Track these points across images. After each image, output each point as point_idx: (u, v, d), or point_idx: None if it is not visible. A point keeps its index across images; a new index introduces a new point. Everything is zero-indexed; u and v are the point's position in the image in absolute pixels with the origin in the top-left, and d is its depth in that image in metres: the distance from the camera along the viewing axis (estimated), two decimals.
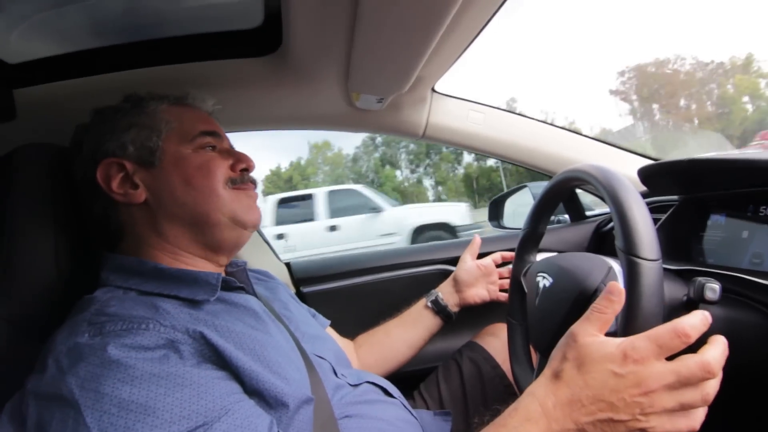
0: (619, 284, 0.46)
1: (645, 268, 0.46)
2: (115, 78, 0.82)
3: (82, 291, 0.57)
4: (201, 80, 0.86)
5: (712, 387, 0.44)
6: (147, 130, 0.63)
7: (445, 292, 0.98)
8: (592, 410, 0.43)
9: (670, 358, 0.44)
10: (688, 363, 0.43)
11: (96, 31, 0.81)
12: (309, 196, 7.09)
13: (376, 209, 6.72)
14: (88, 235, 0.66)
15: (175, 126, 0.64)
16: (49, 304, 0.60)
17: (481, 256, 1.03)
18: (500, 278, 1.01)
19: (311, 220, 6.81)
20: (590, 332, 0.46)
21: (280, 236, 6.65)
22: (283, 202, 7.02)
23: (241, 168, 0.67)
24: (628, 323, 0.46)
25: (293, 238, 6.61)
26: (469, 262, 0.99)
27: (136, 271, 0.58)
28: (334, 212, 6.81)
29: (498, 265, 1.02)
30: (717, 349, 0.45)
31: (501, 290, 1.00)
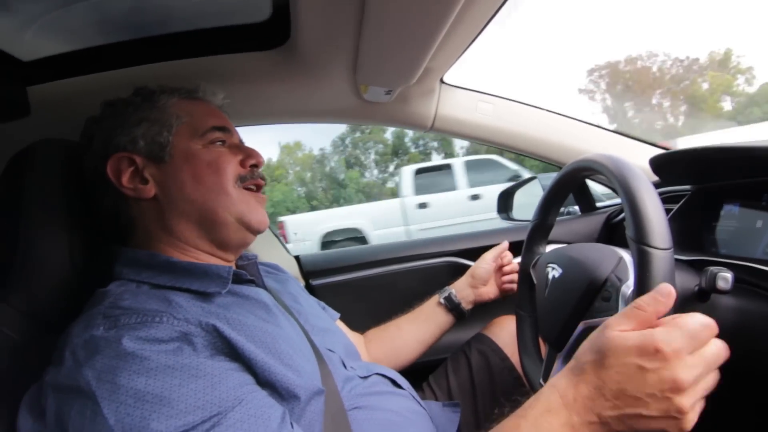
0: (670, 286, 0.44)
1: (656, 257, 0.46)
2: (126, 74, 0.83)
3: (97, 284, 0.58)
4: (209, 74, 0.87)
5: None
6: (158, 125, 0.63)
7: (459, 288, 0.97)
8: (617, 404, 0.42)
9: None
10: (712, 350, 0.42)
11: (106, 28, 0.82)
12: (447, 166, 7.00)
13: (517, 178, 6.64)
14: (100, 229, 0.67)
15: (185, 121, 0.64)
16: (65, 297, 0.61)
17: (486, 248, 1.01)
18: (505, 273, 0.99)
19: (452, 189, 6.64)
20: (623, 327, 0.44)
21: (422, 205, 6.53)
22: (420, 172, 6.94)
23: (250, 164, 0.67)
24: None
25: (435, 207, 6.47)
26: (489, 263, 0.97)
27: (148, 264, 0.59)
28: (473, 182, 6.61)
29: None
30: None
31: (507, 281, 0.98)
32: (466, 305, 0.96)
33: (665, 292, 0.44)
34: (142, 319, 0.48)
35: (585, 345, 0.47)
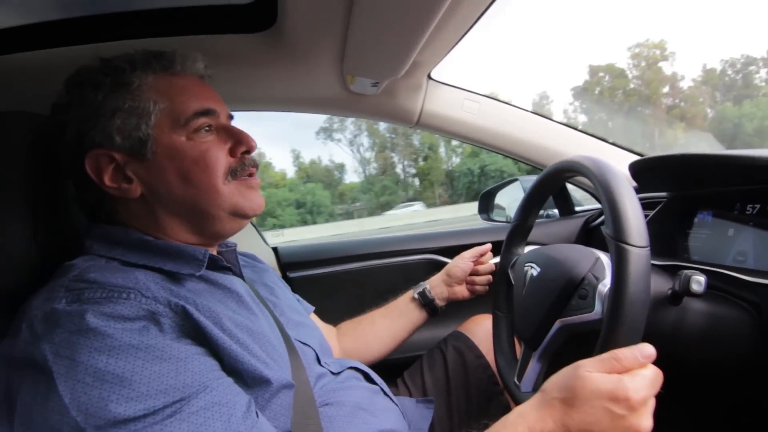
0: (653, 348, 0.47)
1: (633, 255, 0.46)
2: (101, 48, 0.78)
3: (64, 259, 0.55)
4: None
5: None
6: (134, 117, 0.56)
7: (434, 285, 0.97)
8: None
9: None
10: (658, 380, 0.46)
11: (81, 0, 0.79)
12: None
13: None
14: (69, 208, 0.63)
15: (164, 107, 0.57)
16: (29, 279, 0.58)
17: (465, 247, 1.01)
18: (476, 274, 0.98)
19: None
20: (596, 369, 0.46)
21: None
22: None
23: (241, 151, 0.61)
24: (615, 309, 0.47)
25: None
26: (467, 262, 0.97)
27: (120, 241, 0.56)
28: None
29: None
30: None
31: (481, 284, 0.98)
32: (440, 302, 0.96)
33: (647, 354, 0.46)
34: (108, 295, 0.46)
35: (555, 380, 0.48)
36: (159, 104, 0.57)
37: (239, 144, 0.61)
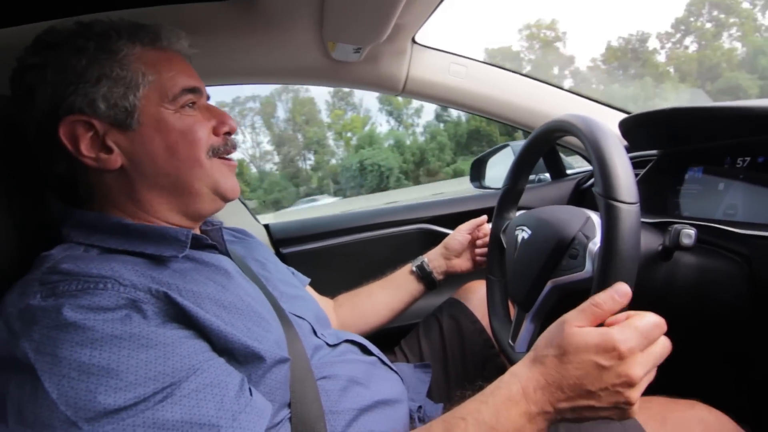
0: (627, 286, 0.46)
1: (623, 211, 0.46)
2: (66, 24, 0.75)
3: (44, 250, 0.53)
4: None
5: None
6: (121, 86, 0.54)
7: (432, 258, 0.97)
8: (572, 397, 0.45)
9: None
10: (660, 348, 0.45)
11: None
12: None
13: None
14: (46, 193, 0.61)
15: (153, 80, 0.56)
16: (10, 272, 0.56)
17: (458, 215, 1.00)
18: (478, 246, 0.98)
19: None
20: (580, 323, 0.46)
21: None
22: None
23: (224, 131, 0.61)
24: (606, 266, 0.46)
25: None
26: (464, 235, 0.96)
27: (97, 226, 0.54)
28: None
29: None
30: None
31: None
32: (438, 275, 0.96)
33: (622, 292, 0.46)
34: (84, 286, 0.44)
35: (544, 338, 0.48)
36: (147, 77, 0.56)
37: (223, 124, 0.61)
